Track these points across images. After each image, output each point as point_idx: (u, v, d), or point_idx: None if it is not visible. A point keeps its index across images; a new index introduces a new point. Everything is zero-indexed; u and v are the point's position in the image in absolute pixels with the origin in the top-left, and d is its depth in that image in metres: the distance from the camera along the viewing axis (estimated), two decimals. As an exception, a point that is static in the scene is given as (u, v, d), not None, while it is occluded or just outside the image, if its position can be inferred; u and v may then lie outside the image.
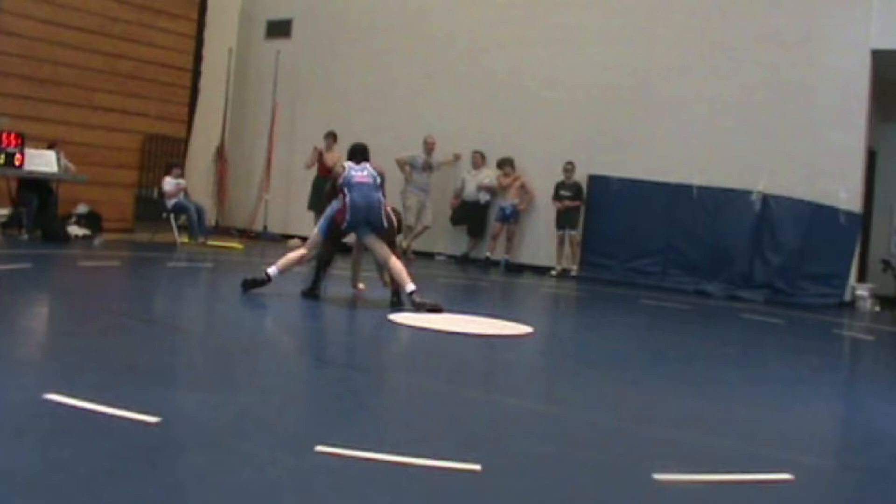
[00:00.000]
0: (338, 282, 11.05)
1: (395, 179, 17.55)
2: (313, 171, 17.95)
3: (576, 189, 16.35)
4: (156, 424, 4.60)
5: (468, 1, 18.09)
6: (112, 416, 4.66)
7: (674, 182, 15.62)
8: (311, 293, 10.16)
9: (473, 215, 17.47)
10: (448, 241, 17.98)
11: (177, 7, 19.44)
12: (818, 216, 14.68)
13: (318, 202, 17.61)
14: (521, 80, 17.09)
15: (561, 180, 16.44)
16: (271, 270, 10.04)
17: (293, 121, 19.87)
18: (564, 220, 16.40)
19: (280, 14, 20.72)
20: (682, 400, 6.67)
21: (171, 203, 16.67)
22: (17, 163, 14.83)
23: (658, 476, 4.42)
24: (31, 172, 15.19)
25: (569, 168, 16.32)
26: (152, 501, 3.69)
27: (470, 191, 17.37)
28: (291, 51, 20.12)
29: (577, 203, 16.36)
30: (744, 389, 7.37)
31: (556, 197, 16.47)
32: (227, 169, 20.70)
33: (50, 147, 15.63)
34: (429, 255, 17.76)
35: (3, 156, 14.66)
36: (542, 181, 16.76)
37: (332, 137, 17.85)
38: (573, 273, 16.33)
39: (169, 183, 16.77)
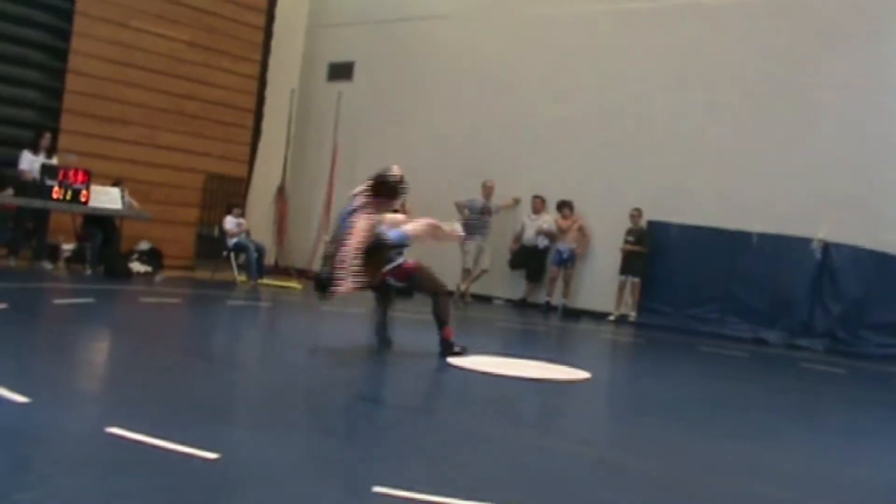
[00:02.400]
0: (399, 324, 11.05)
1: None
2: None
3: (640, 235, 16.25)
4: (215, 461, 4.63)
5: (530, 46, 18.14)
6: (172, 451, 4.70)
7: (733, 228, 15.49)
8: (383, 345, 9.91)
9: (532, 260, 17.44)
10: (506, 285, 17.96)
11: (241, 49, 19.72)
12: (881, 265, 14.47)
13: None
14: (581, 125, 17.08)
15: (629, 226, 16.34)
16: None
17: (353, 162, 19.98)
18: (628, 265, 16.30)
19: (342, 57, 20.94)
20: (740, 449, 6.58)
21: (231, 242, 16.83)
22: (83, 199, 15.08)
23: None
24: (95, 209, 15.44)
25: (635, 214, 16.22)
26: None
27: (529, 235, 17.37)
28: (353, 93, 20.30)
29: (641, 249, 16.24)
30: (804, 440, 7.25)
31: (625, 242, 16.36)
32: (287, 209, 20.87)
33: (115, 184, 15.88)
34: (486, 299, 17.76)
35: (69, 192, 14.92)
36: (600, 225, 16.71)
37: (394, 178, 17.93)
38: (631, 319, 16.22)
39: (230, 222, 16.93)
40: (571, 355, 12.10)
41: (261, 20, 20.30)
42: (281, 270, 19.72)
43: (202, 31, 18.94)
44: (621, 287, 16.43)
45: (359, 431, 6.11)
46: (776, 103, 15.49)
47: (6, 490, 4.02)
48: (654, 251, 16.24)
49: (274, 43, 20.62)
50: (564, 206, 16.93)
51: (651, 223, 16.29)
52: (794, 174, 15.16)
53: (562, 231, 17.04)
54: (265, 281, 16.85)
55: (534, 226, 17.34)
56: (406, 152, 18.83)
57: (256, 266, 16.76)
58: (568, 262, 16.96)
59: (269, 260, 19.51)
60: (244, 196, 19.51)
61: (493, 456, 5.69)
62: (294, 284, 17.33)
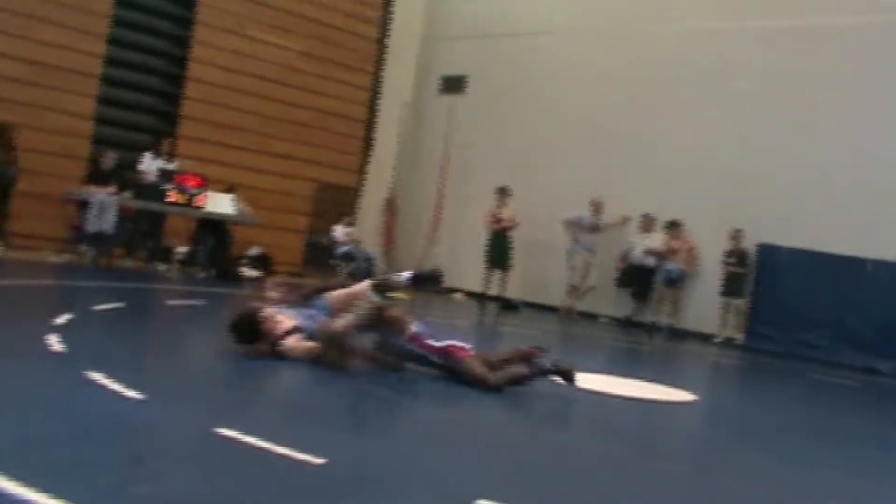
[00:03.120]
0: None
1: (562, 238, 17.61)
2: (483, 228, 18.13)
3: (742, 256, 16.04)
4: (320, 465, 4.68)
5: (641, 62, 18.03)
6: (279, 455, 4.76)
7: (847, 254, 15.16)
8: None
9: (639, 278, 17.30)
10: (612, 303, 17.85)
11: (354, 60, 19.97)
12: None
13: (499, 259, 17.81)
14: (692, 145, 16.90)
15: (729, 248, 16.15)
16: None
17: (463, 175, 20.08)
18: (729, 287, 16.10)
19: (455, 70, 21.04)
20: (845, 480, 6.44)
21: (340, 251, 16.99)
22: (197, 204, 15.40)
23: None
24: (209, 213, 15.75)
25: (736, 235, 16.03)
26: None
27: (637, 254, 17.22)
28: (464, 106, 20.39)
29: (742, 271, 16.04)
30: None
31: (725, 264, 16.18)
32: (396, 220, 21.03)
33: (228, 190, 16.17)
34: (592, 317, 17.67)
35: (185, 196, 15.25)
36: (710, 247, 16.50)
37: (505, 192, 18.01)
38: (737, 342, 15.97)
39: (340, 231, 17.11)
40: (676, 376, 11.96)
41: (375, 32, 20.53)
42: (388, 281, 19.82)
43: (316, 42, 19.22)
44: (724, 309, 16.20)
45: (462, 443, 6.12)
46: (892, 125, 15.15)
47: (123, 481, 4.12)
48: (762, 274, 15.98)
49: (388, 54, 20.83)
50: (675, 227, 16.75)
51: (760, 246, 16.03)
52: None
53: (671, 251, 16.86)
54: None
55: (642, 245, 17.19)
56: (515, 166, 18.89)
57: (365, 276, 16.86)
58: (677, 282, 16.78)
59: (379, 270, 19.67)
60: (354, 205, 19.71)
61: (594, 474, 5.65)
62: (401, 295, 17.40)
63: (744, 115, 16.40)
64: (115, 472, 4.28)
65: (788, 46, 16.22)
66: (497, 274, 18.08)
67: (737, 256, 16.05)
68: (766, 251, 15.98)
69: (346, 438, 5.73)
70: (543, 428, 7.19)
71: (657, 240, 17.07)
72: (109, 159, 15.03)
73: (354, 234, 17.27)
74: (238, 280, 15.63)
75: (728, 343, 15.94)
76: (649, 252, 17.06)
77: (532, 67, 19.60)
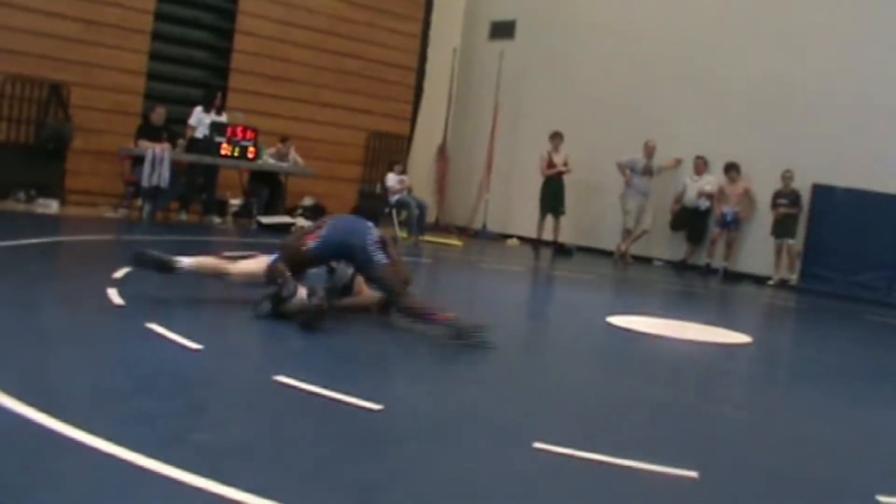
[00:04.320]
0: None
1: (615, 183, 17.53)
2: (538, 173, 18.09)
3: (794, 197, 15.87)
4: (379, 411, 4.74)
5: (691, 4, 17.81)
6: (337, 401, 4.82)
7: (903, 193, 14.95)
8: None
9: (693, 221, 17.18)
10: (666, 246, 17.76)
11: (403, 8, 19.90)
12: None
13: (553, 205, 17.80)
14: (745, 85, 16.66)
15: (779, 188, 15.98)
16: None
17: (515, 121, 20.01)
18: (781, 229, 15.93)
19: (504, 15, 20.90)
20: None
21: (393, 199, 17.03)
22: (250, 156, 15.50)
23: (882, 498, 4.27)
24: (262, 165, 15.85)
25: (787, 176, 15.83)
26: (375, 484, 3.82)
27: (690, 197, 17.10)
28: (515, 51, 20.27)
29: (794, 212, 15.86)
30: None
31: (774, 205, 16.01)
32: (448, 167, 21.04)
33: (282, 142, 16.26)
34: (646, 260, 17.61)
35: (237, 149, 15.35)
36: (765, 188, 16.34)
37: (558, 137, 17.95)
38: (791, 284, 15.84)
39: (392, 179, 17.14)
40: (732, 319, 11.92)
41: (423, -22, 20.45)
42: (441, 228, 19.90)
43: (365, -10, 19.19)
44: (778, 251, 16.04)
45: (519, 387, 6.16)
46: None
47: (185, 430, 4.21)
48: (817, 215, 15.78)
49: (437, 1, 20.72)
50: (731, 169, 16.57)
51: (815, 186, 15.83)
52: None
53: (725, 194, 16.71)
54: (426, 238, 17.00)
55: (695, 187, 17.05)
56: (567, 111, 18.79)
57: (418, 223, 16.91)
58: (731, 224, 16.64)
59: (430, 218, 19.70)
60: (406, 154, 19.74)
61: (652, 416, 5.68)
62: (455, 242, 17.48)
63: (797, 52, 16.14)
64: (178, 420, 4.37)
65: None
66: (550, 219, 18.05)
67: (788, 197, 15.87)
68: (821, 191, 15.76)
69: (402, 386, 5.80)
70: (601, 372, 7.21)
71: (710, 182, 16.92)
72: (159, 114, 15.14)
73: (407, 181, 17.27)
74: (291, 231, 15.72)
75: (783, 285, 15.80)
76: (702, 194, 16.93)
77: (581, 9, 19.41)
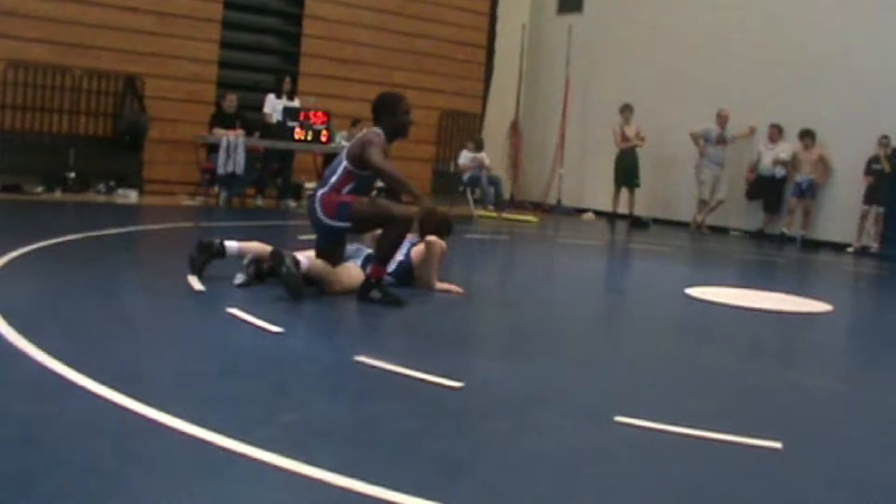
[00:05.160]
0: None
1: (689, 153, 17.37)
2: (611, 146, 18.00)
3: (892, 163, 15.46)
4: (459, 389, 4.78)
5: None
6: (418, 380, 4.88)
7: None
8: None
9: (769, 190, 16.96)
10: (742, 216, 17.56)
11: (470, -15, 19.88)
12: None
13: (627, 177, 17.73)
14: (818, 49, 16.35)
15: (875, 154, 15.60)
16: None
17: (586, 95, 19.90)
18: (874, 194, 15.56)
19: (572, -12, 20.79)
20: None
21: (466, 177, 17.05)
22: (323, 139, 15.61)
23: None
24: (335, 148, 15.94)
25: (884, 142, 15.44)
26: (458, 460, 3.86)
27: (765, 165, 16.88)
28: (583, 25, 20.12)
29: (889, 172, 15.42)
30: None
31: (868, 171, 15.63)
32: (522, 143, 21.01)
33: (354, 124, 16.33)
34: (723, 231, 17.44)
35: (311, 133, 15.47)
36: (841, 154, 16.07)
37: (628, 110, 17.85)
38: (874, 250, 15.56)
39: (465, 157, 17.15)
40: (812, 287, 11.79)
41: (489, -44, 20.39)
42: (517, 204, 19.88)
43: (432, -30, 19.18)
44: (864, 217, 15.74)
45: (598, 362, 6.16)
46: None
47: (269, 412, 4.28)
48: (897, 180, 15.46)
49: (503, -22, 20.67)
50: (806, 136, 16.31)
51: (894, 150, 15.51)
52: None
53: (801, 161, 16.47)
54: (503, 215, 17.01)
55: (770, 155, 16.82)
56: (638, 83, 18.64)
57: (495, 198, 16.90)
58: (807, 192, 16.40)
59: (505, 194, 19.69)
60: (479, 132, 19.73)
61: (733, 388, 5.65)
62: (531, 218, 17.45)
63: (866, 17, 15.82)
64: (263, 402, 4.45)
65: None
66: (626, 192, 17.95)
67: (884, 162, 15.46)
68: (901, 156, 15.44)
69: (480, 362, 5.84)
70: (681, 344, 7.19)
71: (785, 150, 16.69)
72: (230, 102, 15.30)
73: (480, 158, 17.25)
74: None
75: (863, 252, 15.54)
76: (778, 162, 16.70)
77: (650, -20, 19.23)
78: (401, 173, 7.49)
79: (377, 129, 7.48)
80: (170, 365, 5.04)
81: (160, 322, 6.18)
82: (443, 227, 8.01)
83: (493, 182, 17.03)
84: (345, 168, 7.30)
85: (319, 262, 7.30)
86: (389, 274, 7.55)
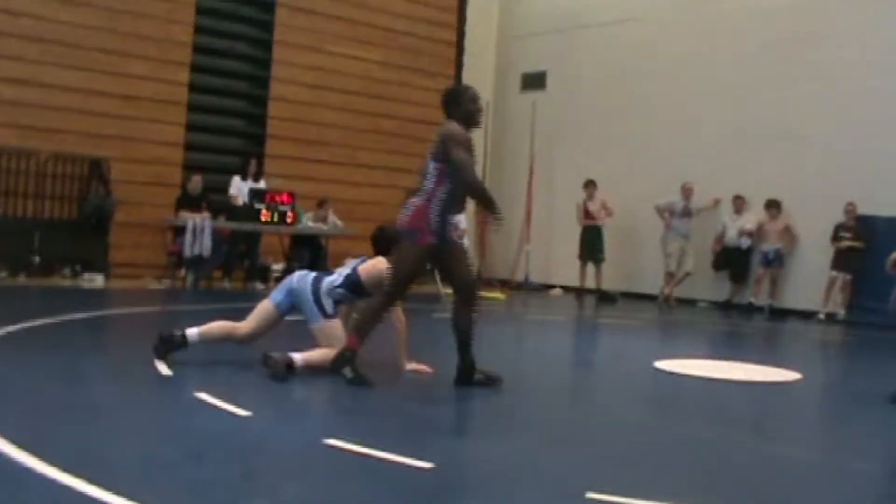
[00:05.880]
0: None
1: (655, 226, 17.49)
2: (576, 222, 18.13)
3: (857, 230, 15.62)
4: (430, 469, 4.73)
5: (726, 41, 17.77)
6: (388, 461, 4.83)
7: None
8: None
9: (735, 260, 17.09)
10: (710, 287, 17.65)
11: (434, 65, 20.05)
12: None
13: (591, 252, 17.78)
14: (780, 120, 16.60)
15: (841, 221, 15.76)
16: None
17: (551, 170, 20.04)
18: (843, 262, 15.68)
19: (534, 67, 21.01)
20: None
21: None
22: (289, 220, 15.62)
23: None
24: (302, 229, 15.96)
25: (850, 209, 15.59)
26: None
27: (731, 236, 17.04)
28: (547, 101, 20.33)
29: (858, 245, 15.54)
30: None
31: (836, 238, 15.79)
32: (488, 220, 21.06)
33: (320, 205, 16.37)
34: (691, 302, 17.51)
35: (277, 214, 15.49)
36: (805, 222, 16.23)
37: (592, 185, 17.99)
38: (840, 317, 15.64)
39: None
40: (781, 356, 11.83)
41: (452, 36, 20.60)
42: (484, 282, 19.87)
43: (395, 51, 19.36)
44: (831, 284, 15.85)
45: (569, 438, 6.13)
46: None
47: (237, 497, 4.22)
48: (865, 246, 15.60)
49: (466, 57, 20.87)
50: (772, 206, 16.49)
51: (860, 217, 15.68)
52: None
53: (767, 231, 16.63)
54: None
55: (735, 226, 16.99)
56: (602, 158, 18.81)
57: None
58: (774, 261, 16.54)
59: (473, 272, 19.69)
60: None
61: (706, 460, 5.63)
62: (498, 295, 17.45)
63: (829, 85, 16.07)
64: (231, 488, 4.39)
65: (875, 12, 15.87)
66: (592, 267, 18.02)
67: (850, 230, 15.62)
68: (864, 221, 15.62)
69: (450, 442, 5.80)
70: (651, 417, 7.17)
71: (750, 220, 16.86)
72: (195, 183, 15.32)
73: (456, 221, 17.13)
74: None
75: (831, 319, 15.61)
76: (743, 233, 16.86)
77: (611, 57, 19.46)
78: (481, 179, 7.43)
79: (453, 123, 7.48)
80: (135, 451, 4.96)
81: (126, 407, 6.11)
82: (397, 238, 7.91)
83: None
84: (434, 168, 7.38)
85: (315, 354, 7.30)
86: (339, 286, 7.56)
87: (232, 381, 6.89)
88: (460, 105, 7.60)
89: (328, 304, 7.54)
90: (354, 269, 7.75)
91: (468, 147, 7.30)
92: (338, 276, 7.69)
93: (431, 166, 7.39)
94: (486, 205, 7.41)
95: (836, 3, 16.30)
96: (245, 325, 7.72)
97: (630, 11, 19.28)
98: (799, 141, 16.29)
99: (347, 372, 7.00)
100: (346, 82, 18.53)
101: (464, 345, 7.30)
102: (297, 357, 7.17)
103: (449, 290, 16.37)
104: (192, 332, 7.44)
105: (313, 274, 7.77)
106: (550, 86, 20.68)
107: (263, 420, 5.87)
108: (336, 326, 7.57)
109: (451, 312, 7.45)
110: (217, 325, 7.60)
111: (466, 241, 16.88)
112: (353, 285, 7.69)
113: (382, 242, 8.02)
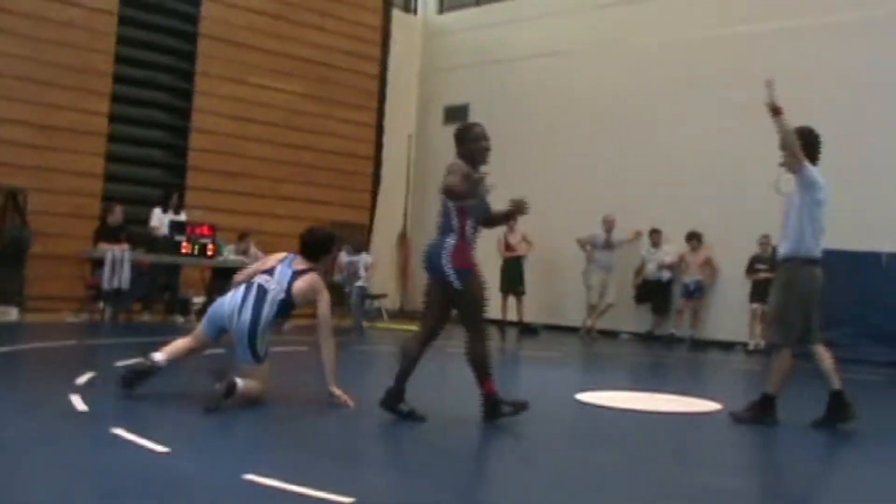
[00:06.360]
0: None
1: (576, 259, 17.59)
2: (497, 255, 18.20)
3: (772, 261, 15.87)
4: (349, 504, 4.69)
5: (644, 76, 18.03)
6: (308, 497, 4.75)
7: (861, 250, 15.10)
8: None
9: (656, 293, 17.29)
10: (632, 318, 17.82)
11: (357, 98, 20.07)
12: None
13: (512, 285, 17.79)
14: (697, 154, 16.88)
15: (757, 253, 16.06)
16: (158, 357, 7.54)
17: (473, 203, 20.09)
18: (761, 293, 15.93)
19: (457, 100, 21.12)
20: (885, 476, 6.39)
21: (339, 278, 16.87)
22: (210, 252, 15.46)
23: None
24: (222, 262, 15.80)
25: (764, 241, 15.89)
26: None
27: (650, 269, 17.24)
28: (469, 135, 20.40)
29: (772, 276, 15.80)
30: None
31: (751, 270, 16.07)
32: (411, 253, 21.06)
33: (241, 237, 16.23)
34: (613, 334, 17.63)
35: (197, 247, 15.32)
36: (726, 254, 16.46)
37: (512, 218, 18.02)
38: (759, 347, 15.85)
39: (341, 259, 17.00)
40: (702, 387, 11.94)
41: (375, 68, 20.64)
42: (407, 315, 19.85)
43: (318, 83, 19.35)
44: (754, 316, 16.07)
45: (490, 471, 6.10)
46: (891, 122, 15.15)
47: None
48: (780, 278, 15.87)
49: (389, 89, 20.90)
50: (693, 238, 16.73)
51: (776, 248, 15.91)
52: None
53: (688, 262, 16.85)
54: (391, 325, 16.94)
55: (654, 259, 17.21)
56: (524, 191, 18.75)
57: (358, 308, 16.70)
58: (695, 293, 16.76)
59: (395, 305, 19.71)
60: (367, 242, 19.74)
61: (632, 492, 5.63)
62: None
63: (745, 120, 16.29)
64: (147, 526, 4.29)
65: (784, 49, 16.20)
66: (513, 300, 18.07)
67: (767, 262, 15.89)
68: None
69: (372, 475, 5.73)
70: (573, 449, 7.17)
71: (669, 252, 17.07)
72: (117, 215, 15.12)
73: (356, 262, 16.98)
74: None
75: (754, 350, 15.79)
76: (662, 266, 17.06)
77: (534, 90, 19.64)
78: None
79: (456, 159, 7.79)
80: (46, 490, 4.83)
81: (37, 445, 5.95)
82: (327, 243, 8.21)
83: (361, 294, 16.83)
84: (451, 207, 7.54)
85: (253, 384, 7.28)
86: (275, 316, 7.63)
87: (149, 415, 6.77)
88: (464, 143, 7.97)
89: (262, 348, 7.51)
90: (288, 293, 7.70)
91: (467, 178, 7.54)
92: (270, 300, 7.62)
93: (450, 205, 7.58)
94: (502, 218, 8.20)
95: (751, 41, 16.62)
96: (199, 331, 7.79)
97: (551, 46, 19.48)
98: (717, 174, 16.54)
99: (507, 411, 7.39)
100: (269, 114, 18.47)
101: (482, 376, 7.52)
102: (240, 384, 7.11)
103: (373, 323, 16.35)
104: (158, 356, 7.40)
105: (250, 313, 7.55)
106: (473, 118, 20.72)
107: (181, 456, 5.76)
108: (265, 369, 7.54)
109: (464, 347, 7.69)
110: (179, 343, 7.59)
111: (362, 280, 16.86)
112: (287, 308, 7.73)
113: (313, 247, 8.07)
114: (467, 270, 7.49)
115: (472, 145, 7.90)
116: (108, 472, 5.30)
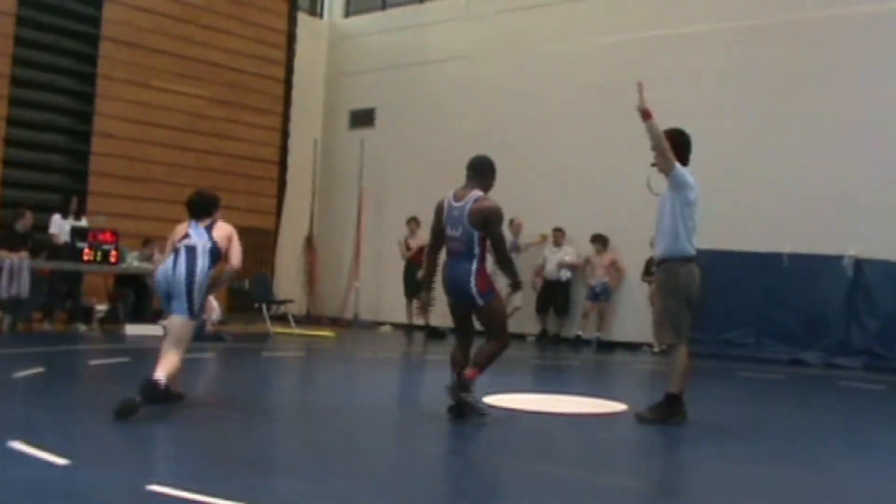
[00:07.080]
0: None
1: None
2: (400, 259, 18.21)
3: (659, 263, 16.11)
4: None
5: (550, 81, 18.16)
6: (213, 507, 4.71)
7: (763, 251, 15.40)
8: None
9: (557, 293, 17.42)
10: (538, 321, 17.89)
11: (262, 102, 19.93)
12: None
13: (415, 288, 17.78)
14: (602, 157, 17.06)
15: (651, 256, 16.25)
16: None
17: (380, 207, 20.08)
18: (658, 296, 16.15)
19: (363, 104, 21.10)
20: (785, 473, 6.50)
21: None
22: (112, 259, 15.20)
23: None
24: (126, 269, 15.55)
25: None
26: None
27: (551, 268, 17.36)
28: (375, 139, 20.43)
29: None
30: (850, 460, 7.16)
31: (647, 273, 16.28)
32: (317, 258, 20.98)
33: (145, 244, 16.01)
34: (520, 337, 17.69)
35: (100, 253, 15.05)
36: (632, 256, 16.65)
37: (414, 222, 18.05)
38: (664, 348, 16.03)
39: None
40: (608, 388, 12.04)
41: (281, 73, 20.52)
42: (313, 320, 19.76)
43: (223, 87, 19.17)
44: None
45: (399, 475, 6.09)
46: (799, 122, 15.46)
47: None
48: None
49: (295, 94, 20.79)
50: (598, 240, 16.90)
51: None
52: (823, 192, 15.09)
53: (594, 265, 17.01)
54: (297, 331, 16.87)
55: (555, 259, 17.34)
56: (430, 194, 18.66)
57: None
58: (601, 295, 16.92)
59: (301, 310, 19.61)
60: (273, 248, 19.61)
61: (539, 495, 5.65)
62: (328, 333, 17.35)
63: (639, 123, 16.49)
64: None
65: (689, 54, 16.48)
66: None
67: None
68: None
69: (279, 484, 5.68)
70: (477, 452, 7.18)
71: (570, 253, 17.24)
72: (27, 220, 14.72)
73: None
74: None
75: (659, 351, 15.98)
76: (562, 265, 17.21)
77: (439, 94, 19.69)
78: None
79: (485, 195, 8.65)
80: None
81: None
82: (216, 200, 8.92)
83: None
84: (479, 236, 8.25)
85: (170, 359, 7.41)
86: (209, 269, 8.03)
87: (50, 427, 6.63)
88: (490, 177, 9.09)
89: (198, 301, 7.77)
90: (213, 241, 8.27)
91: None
92: (201, 251, 8.10)
93: (475, 234, 8.28)
94: (511, 276, 8.39)
95: (661, 45, 16.84)
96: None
97: (458, 50, 19.55)
98: (621, 177, 16.68)
99: (470, 398, 7.95)
100: (173, 118, 18.25)
101: (476, 364, 8.18)
102: (160, 375, 7.18)
103: (276, 328, 16.26)
104: (159, 376, 7.30)
105: (184, 266, 7.88)
106: (379, 123, 20.78)
107: (83, 468, 5.64)
108: (190, 329, 7.70)
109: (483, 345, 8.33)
110: (166, 359, 7.47)
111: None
112: (216, 256, 8.22)
113: (204, 205, 8.74)
114: (490, 293, 8.22)
115: (493, 181, 9.02)
116: (4, 486, 5.16)
